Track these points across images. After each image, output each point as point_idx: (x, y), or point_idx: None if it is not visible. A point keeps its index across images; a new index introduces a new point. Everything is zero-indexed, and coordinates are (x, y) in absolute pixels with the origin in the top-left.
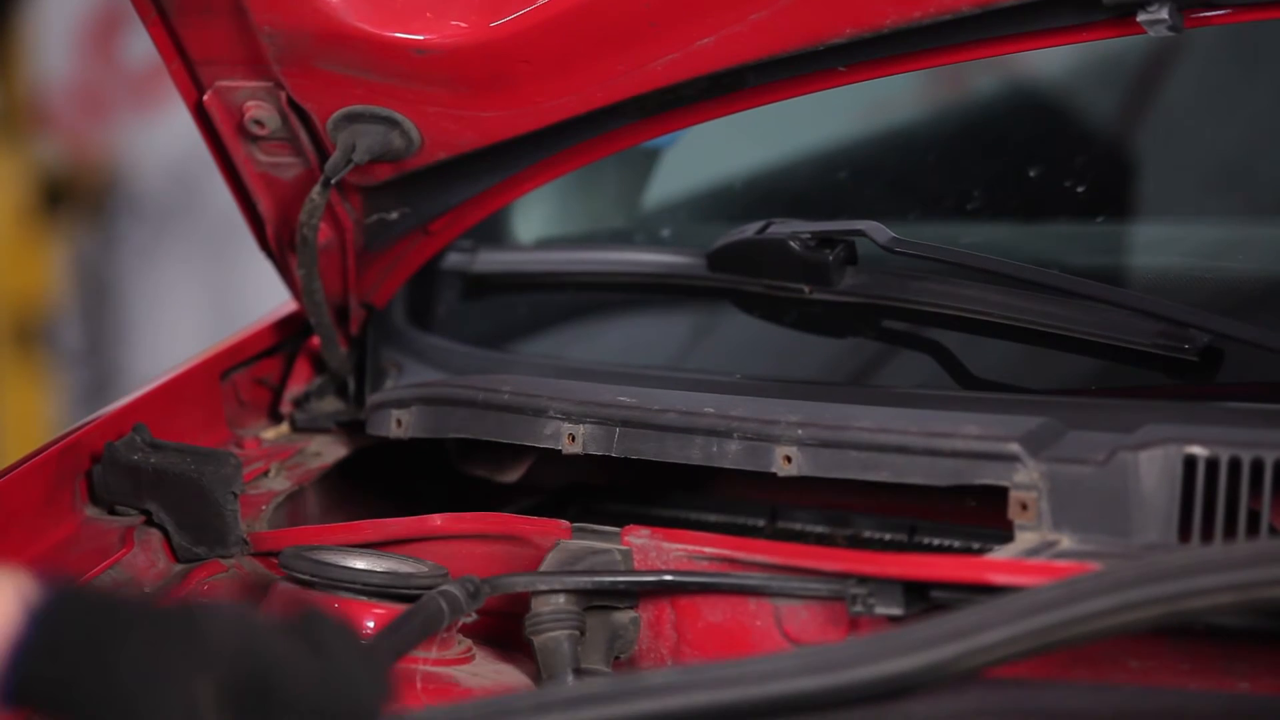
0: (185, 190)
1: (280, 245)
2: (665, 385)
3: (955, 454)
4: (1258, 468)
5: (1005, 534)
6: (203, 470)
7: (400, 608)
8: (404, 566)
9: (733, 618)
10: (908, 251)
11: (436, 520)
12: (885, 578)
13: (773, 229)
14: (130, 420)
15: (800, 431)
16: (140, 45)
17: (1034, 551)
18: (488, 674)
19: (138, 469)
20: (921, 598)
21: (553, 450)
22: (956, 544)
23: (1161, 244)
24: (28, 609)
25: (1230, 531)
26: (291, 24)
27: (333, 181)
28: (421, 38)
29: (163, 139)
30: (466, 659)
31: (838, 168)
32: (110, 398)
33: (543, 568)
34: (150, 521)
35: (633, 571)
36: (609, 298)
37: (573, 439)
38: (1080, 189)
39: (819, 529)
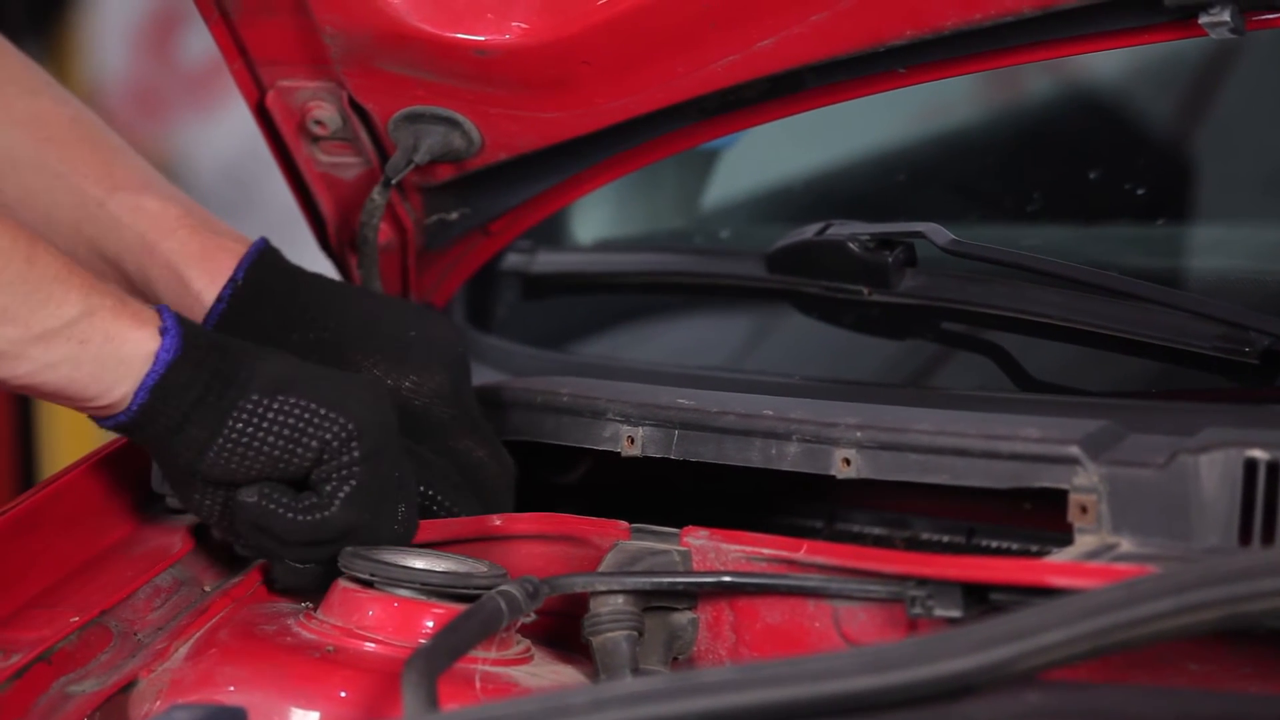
0: (242, 189)
1: (341, 245)
2: (724, 387)
3: (1014, 456)
4: None
5: (1064, 537)
6: None
7: (459, 607)
8: (463, 566)
9: (791, 619)
10: (967, 253)
11: (495, 520)
12: (944, 580)
13: (832, 230)
14: None
15: (859, 434)
16: (197, 44)
17: (1094, 554)
18: (546, 674)
19: None
20: (981, 600)
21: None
22: (1015, 546)
23: (1221, 246)
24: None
25: None
26: (353, 24)
27: (394, 182)
28: (483, 38)
29: (219, 138)
30: (525, 659)
31: (896, 170)
32: None
33: (601, 568)
34: None
35: (691, 572)
36: (667, 299)
37: (631, 441)
38: (1139, 191)
39: (876, 531)
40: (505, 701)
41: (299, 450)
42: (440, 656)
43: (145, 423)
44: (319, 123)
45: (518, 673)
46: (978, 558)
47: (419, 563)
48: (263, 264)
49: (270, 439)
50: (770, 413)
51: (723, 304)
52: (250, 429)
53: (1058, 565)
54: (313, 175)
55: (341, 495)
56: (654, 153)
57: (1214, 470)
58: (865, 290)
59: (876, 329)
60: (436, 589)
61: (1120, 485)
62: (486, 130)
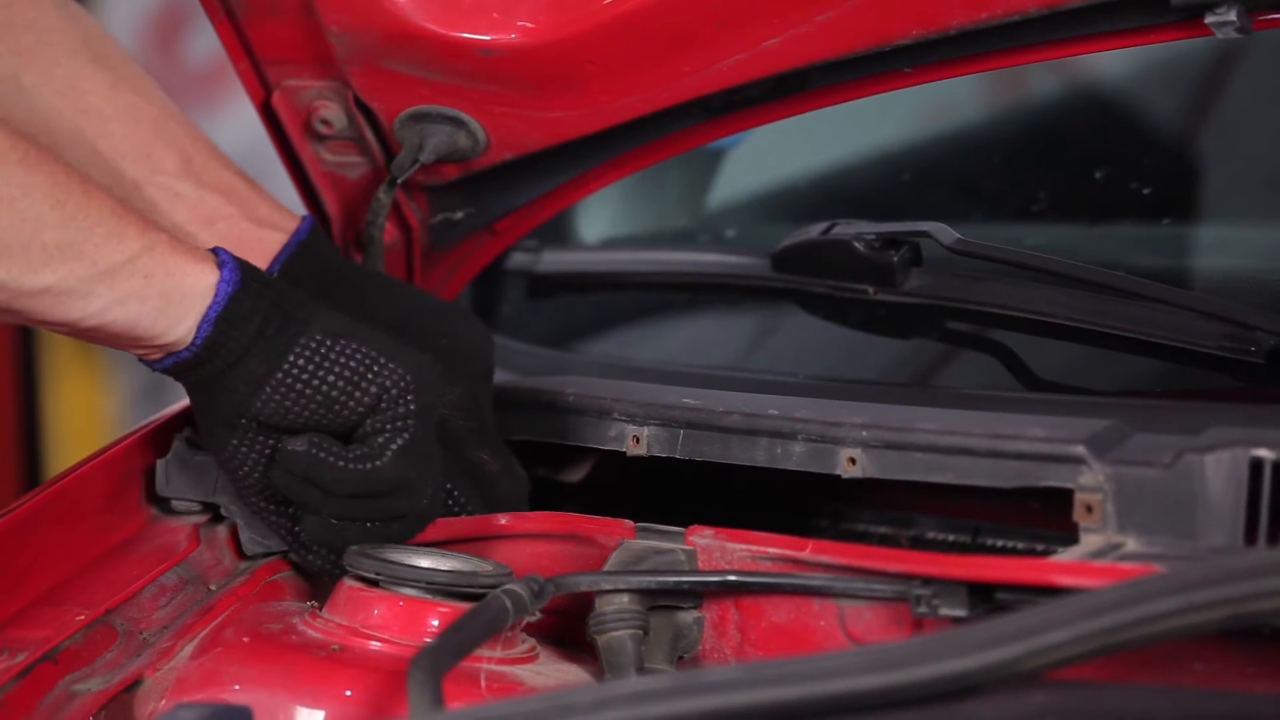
0: None
1: (346, 244)
2: (729, 386)
3: (1020, 456)
4: None
5: (1070, 536)
6: None
7: (465, 606)
8: (469, 565)
9: (796, 618)
10: (973, 253)
11: (501, 519)
12: (950, 579)
13: (837, 230)
14: None
15: (865, 433)
16: (202, 43)
17: (1099, 553)
18: (551, 673)
19: (209, 462)
20: (986, 599)
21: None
22: (1020, 546)
23: (1227, 246)
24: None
25: None
26: (359, 24)
27: (399, 181)
28: (488, 38)
29: (225, 136)
30: (530, 658)
31: (902, 169)
32: (167, 396)
33: (607, 567)
34: (216, 518)
35: (696, 571)
36: (673, 298)
37: (637, 441)
38: (1145, 191)
39: (882, 530)
40: (510, 700)
41: (356, 395)
42: (445, 655)
43: (207, 358)
44: (325, 122)
45: (523, 671)
46: (983, 557)
47: (424, 561)
48: (303, 257)
49: (330, 379)
50: (775, 412)
51: (728, 303)
52: (311, 367)
53: (1063, 564)
54: (318, 174)
55: (394, 447)
56: (659, 152)
57: (1219, 470)
58: (870, 289)
59: (882, 328)
60: (442, 588)
61: (1126, 484)
62: (492, 129)
